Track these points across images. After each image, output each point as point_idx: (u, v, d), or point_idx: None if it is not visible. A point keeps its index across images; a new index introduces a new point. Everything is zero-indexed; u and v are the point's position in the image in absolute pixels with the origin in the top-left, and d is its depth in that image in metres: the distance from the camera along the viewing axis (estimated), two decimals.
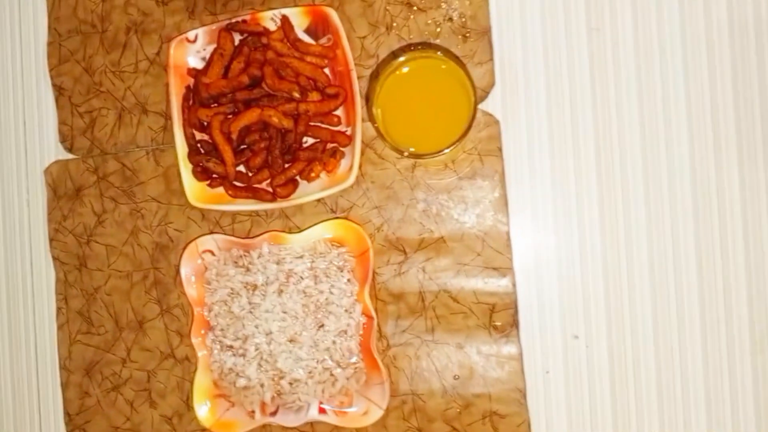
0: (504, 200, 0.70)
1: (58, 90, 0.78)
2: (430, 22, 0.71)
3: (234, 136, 0.71)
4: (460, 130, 0.58)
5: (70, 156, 0.78)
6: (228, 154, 0.71)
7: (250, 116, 0.70)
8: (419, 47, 0.63)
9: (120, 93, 0.77)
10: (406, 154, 0.58)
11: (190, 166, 0.73)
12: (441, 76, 0.60)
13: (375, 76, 0.61)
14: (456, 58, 0.60)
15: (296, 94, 0.70)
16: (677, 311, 0.69)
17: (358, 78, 0.71)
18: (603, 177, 0.70)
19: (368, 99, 0.66)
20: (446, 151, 0.57)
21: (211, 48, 0.74)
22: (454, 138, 0.58)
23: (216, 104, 0.73)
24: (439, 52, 0.61)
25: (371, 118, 0.62)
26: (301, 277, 0.70)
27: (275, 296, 0.70)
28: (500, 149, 0.70)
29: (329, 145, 0.72)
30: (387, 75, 0.61)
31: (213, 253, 0.73)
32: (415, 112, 0.60)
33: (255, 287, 0.71)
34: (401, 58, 0.61)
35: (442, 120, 0.59)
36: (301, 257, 0.71)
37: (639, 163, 0.69)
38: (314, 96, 0.71)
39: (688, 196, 0.69)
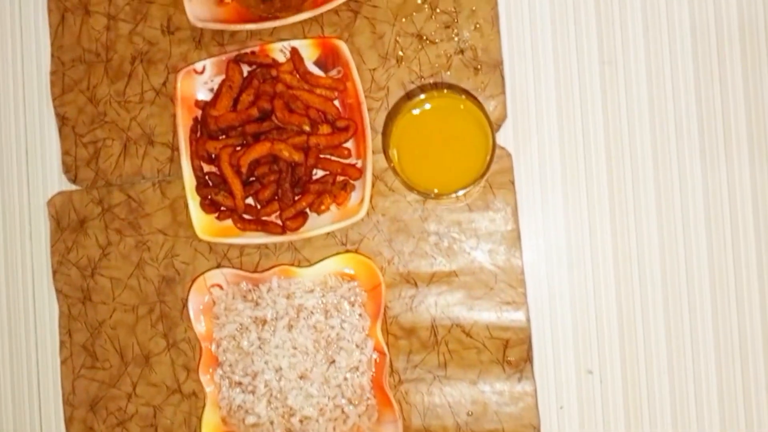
0: (517, 233, 0.70)
1: (62, 120, 0.77)
2: (441, 54, 0.71)
3: (243, 170, 0.70)
4: (478, 169, 0.57)
5: (74, 187, 0.77)
6: (237, 187, 0.70)
7: (260, 150, 0.70)
8: (435, 86, 0.62)
9: (125, 123, 0.76)
10: (431, 195, 0.57)
11: (198, 199, 0.72)
12: (458, 116, 0.59)
13: (390, 117, 0.61)
14: (473, 98, 0.60)
15: (306, 128, 0.70)
16: (692, 345, 0.68)
17: (369, 110, 0.70)
18: (616, 209, 0.70)
19: (384, 137, 0.65)
20: (461, 192, 0.57)
21: (219, 79, 0.73)
22: (471, 177, 0.57)
23: (224, 136, 0.72)
24: (462, 96, 0.60)
25: (387, 158, 0.61)
26: (312, 312, 0.69)
27: (285, 331, 0.69)
28: (512, 182, 0.70)
29: (339, 178, 0.71)
30: (403, 115, 0.60)
31: (221, 287, 0.72)
32: (432, 151, 0.60)
33: (264, 322, 0.70)
34: (421, 96, 0.61)
35: (460, 159, 0.59)
36: (312, 291, 0.70)
37: (652, 195, 0.69)
38: (324, 129, 0.70)
39: (702, 229, 0.69)
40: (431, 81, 0.70)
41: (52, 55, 0.78)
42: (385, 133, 0.59)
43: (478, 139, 0.59)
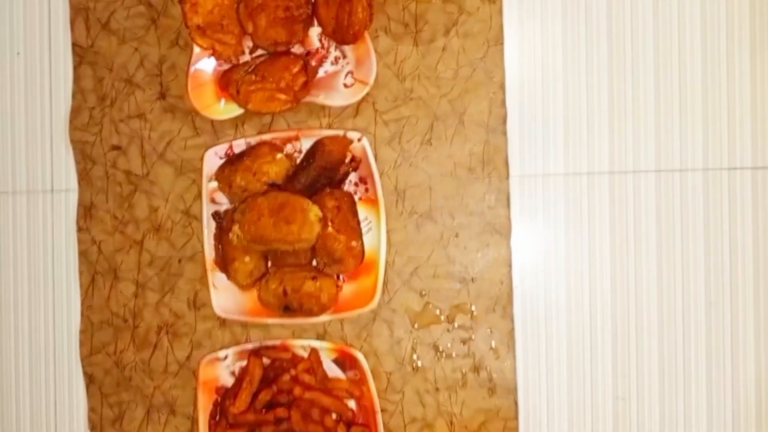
0: None
1: (89, 378, 0.80)
2: (456, 369, 0.72)
3: None
4: None
5: None
6: None
7: None
8: None
9: (149, 390, 0.79)
10: None
11: None
12: None
13: None
14: None
15: None
16: None
17: (383, 412, 0.72)
18: None
19: None
20: None
21: (240, 364, 0.75)
22: None
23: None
24: None
25: None
26: None
27: None
28: None
29: None
30: None
31: None
32: None
33: None
34: None
35: None
36: None
37: None
38: (340, 431, 0.72)
39: None
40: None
41: (82, 314, 0.80)
42: None
43: None
